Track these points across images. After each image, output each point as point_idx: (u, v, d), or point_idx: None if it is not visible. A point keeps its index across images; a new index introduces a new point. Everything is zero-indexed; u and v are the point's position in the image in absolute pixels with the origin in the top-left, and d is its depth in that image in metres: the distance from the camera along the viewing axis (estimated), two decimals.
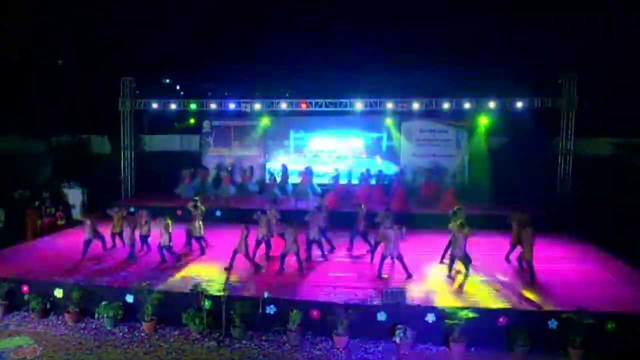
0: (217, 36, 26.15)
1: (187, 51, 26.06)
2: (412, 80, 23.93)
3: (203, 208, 17.74)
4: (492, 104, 23.04)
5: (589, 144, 24.03)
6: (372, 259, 16.17)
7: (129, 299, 13.50)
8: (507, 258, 16.14)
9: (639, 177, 20.91)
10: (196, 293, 13.11)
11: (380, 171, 24.08)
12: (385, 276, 14.10)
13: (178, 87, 30.58)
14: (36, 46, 27.37)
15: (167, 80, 30.42)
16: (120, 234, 17.37)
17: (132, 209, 22.15)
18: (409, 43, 23.93)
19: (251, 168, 24.74)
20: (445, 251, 16.10)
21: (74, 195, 22.74)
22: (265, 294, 13.09)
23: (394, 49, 24.03)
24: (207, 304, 12.96)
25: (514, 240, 15.83)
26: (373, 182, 23.09)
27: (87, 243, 16.43)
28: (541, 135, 24.99)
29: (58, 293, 13.85)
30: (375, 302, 12.96)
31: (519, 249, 15.30)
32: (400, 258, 14.75)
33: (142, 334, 13.04)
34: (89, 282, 14.18)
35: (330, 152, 26.35)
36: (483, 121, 24.39)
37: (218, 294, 13.18)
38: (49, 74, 28.87)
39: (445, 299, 13.21)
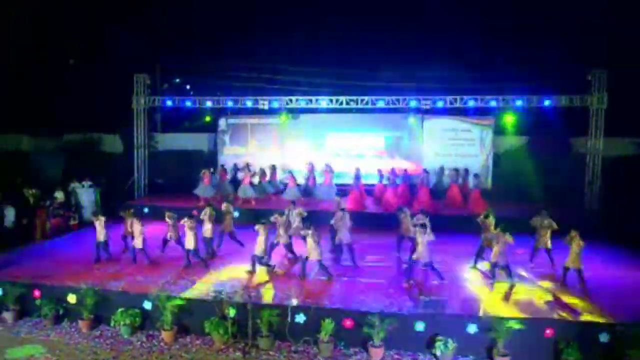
0: (233, 33, 25.10)
1: (203, 47, 25.02)
2: (436, 77, 22.76)
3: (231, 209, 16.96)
4: (518, 102, 21.92)
5: (610, 144, 22.76)
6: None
7: (147, 305, 12.48)
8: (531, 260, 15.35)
9: None
10: (219, 300, 12.09)
11: (405, 171, 22.95)
12: (425, 298, 12.49)
13: (188, 87, 29.38)
14: (48, 44, 26.50)
15: (177, 80, 29.27)
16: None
17: (145, 210, 21.31)
18: (433, 39, 22.79)
19: (273, 167, 23.49)
20: (478, 255, 15.17)
21: (86, 195, 21.67)
22: (294, 302, 12.06)
23: (417, 44, 22.86)
24: (231, 312, 11.94)
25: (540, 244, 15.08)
26: (398, 182, 21.83)
27: (99, 245, 15.47)
28: (561, 135, 24.06)
29: (71, 298, 12.85)
30: (412, 311, 11.89)
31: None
32: (431, 264, 13.75)
33: (162, 344, 12.06)
34: (104, 287, 13.13)
35: (349, 150, 25.26)
36: (509, 119, 23.23)
37: (243, 301, 12.14)
38: (60, 72, 28.00)
39: (486, 308, 12.13)
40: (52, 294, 13.12)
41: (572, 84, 22.22)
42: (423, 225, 13.70)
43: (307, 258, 14.08)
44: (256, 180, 22.66)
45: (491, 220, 14.93)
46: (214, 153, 26.64)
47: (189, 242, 14.83)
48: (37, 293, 13.19)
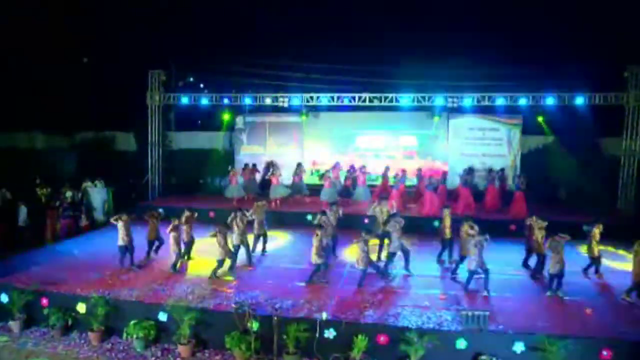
0: (252, 28, 23.85)
1: (220, 43, 23.82)
2: (463, 74, 21.45)
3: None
4: (550, 100, 20.63)
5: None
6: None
7: (163, 317, 11.31)
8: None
9: None
10: (242, 312, 10.90)
11: (445, 172, 21.84)
12: (467, 313, 10.88)
13: (202, 86, 28.15)
14: (60, 40, 25.40)
15: (191, 79, 28.05)
16: (154, 241, 15.14)
17: (160, 210, 20.14)
18: (461, 34, 21.45)
19: (299, 165, 22.15)
20: (540, 267, 13.77)
21: (98, 195, 20.57)
22: (324, 315, 10.85)
23: (444, 40, 21.52)
24: (254, 325, 10.75)
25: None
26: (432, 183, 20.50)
27: (123, 250, 14.19)
28: (589, 135, 22.50)
29: (81, 308, 11.72)
30: (453, 327, 10.66)
31: None
32: (487, 272, 12.57)
33: (178, 359, 10.86)
34: (116, 296, 11.98)
35: (373, 150, 24.03)
36: (539, 118, 21.85)
37: (268, 314, 10.96)
38: (73, 67, 26.94)
39: (534, 324, 10.84)
40: (61, 302, 11.99)
41: (606, 81, 20.90)
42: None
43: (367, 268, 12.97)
44: (284, 179, 21.56)
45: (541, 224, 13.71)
46: (230, 152, 25.49)
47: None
48: (44, 301, 12.08)
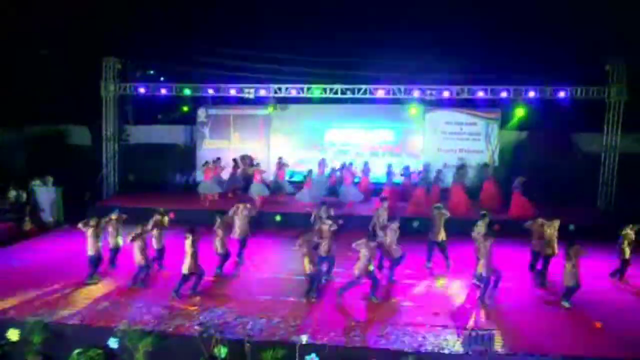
0: (213, 14, 21.63)
1: (181, 30, 21.54)
2: (442, 66, 19.83)
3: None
4: (531, 93, 19.25)
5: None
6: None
7: (113, 343, 9.29)
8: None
9: None
10: (207, 336, 9.02)
11: (427, 167, 20.41)
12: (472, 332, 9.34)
13: (162, 79, 25.75)
14: (6, 27, 22.77)
15: (152, 72, 25.60)
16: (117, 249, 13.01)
17: (116, 211, 17.97)
18: (440, 24, 19.77)
19: (280, 160, 20.35)
20: (542, 275, 12.46)
21: (46, 195, 18.22)
22: (304, 338, 9.05)
23: (422, 30, 19.82)
24: (223, 352, 8.88)
25: None
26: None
27: (94, 261, 12.05)
28: (565, 130, 21.56)
29: (13, 335, 9.52)
30: (455, 348, 9.01)
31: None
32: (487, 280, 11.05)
33: None
34: (57, 319, 9.88)
35: (345, 145, 22.31)
36: (520, 112, 20.42)
37: (239, 337, 9.10)
38: (22, 56, 24.30)
39: (546, 343, 9.27)
40: None
41: (587, 75, 19.62)
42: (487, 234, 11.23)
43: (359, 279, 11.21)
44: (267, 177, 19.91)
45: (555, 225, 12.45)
46: (192, 147, 23.38)
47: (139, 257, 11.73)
48: None
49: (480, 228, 12.27)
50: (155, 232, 12.59)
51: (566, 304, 10.97)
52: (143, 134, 24.10)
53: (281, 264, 13.58)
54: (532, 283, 12.46)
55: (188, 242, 11.16)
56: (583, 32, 19.46)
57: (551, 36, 19.83)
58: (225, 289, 11.77)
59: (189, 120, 23.59)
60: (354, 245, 11.06)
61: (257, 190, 18.68)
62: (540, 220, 12.75)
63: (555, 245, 12.26)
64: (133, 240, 11.64)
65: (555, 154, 20.95)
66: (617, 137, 19.47)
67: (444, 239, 13.21)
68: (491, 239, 10.95)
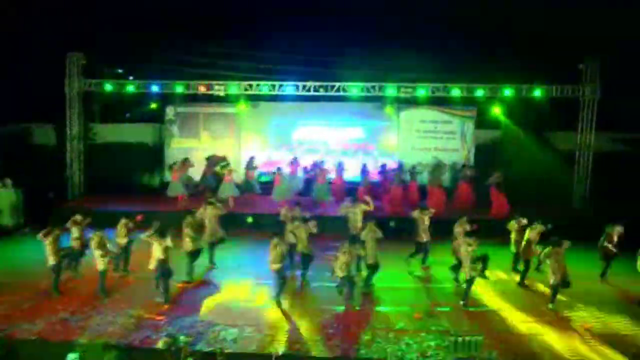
0: (183, 8, 20.77)
1: (149, 25, 20.61)
2: (417, 63, 19.37)
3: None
4: (507, 91, 18.93)
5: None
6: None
7: (72, 359, 8.52)
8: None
9: None
10: (176, 349, 8.32)
11: (401, 165, 19.89)
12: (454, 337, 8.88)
13: (132, 77, 24.77)
14: None
15: (120, 71, 24.54)
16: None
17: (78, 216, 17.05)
18: (415, 23, 19.34)
19: (251, 160, 19.69)
20: (524, 275, 12.17)
21: (5, 197, 17.16)
22: (279, 349, 8.44)
23: (397, 27, 19.37)
24: None
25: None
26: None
27: (56, 270, 11.15)
28: (538, 128, 21.23)
29: None
30: (441, 356, 8.50)
31: None
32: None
33: None
34: (11, 334, 9.07)
35: (321, 143, 21.59)
36: (496, 111, 20.09)
37: (209, 349, 8.44)
38: None
39: (534, 347, 8.82)
40: None
41: (562, 74, 19.40)
42: (469, 234, 10.73)
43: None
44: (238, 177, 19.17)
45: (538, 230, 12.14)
46: (161, 146, 22.47)
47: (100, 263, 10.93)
48: None
49: (461, 230, 11.79)
50: (120, 234, 11.85)
51: (550, 305, 10.59)
52: (110, 132, 22.99)
53: (253, 268, 12.78)
54: (515, 284, 12.08)
55: (156, 246, 10.46)
56: (558, 31, 19.27)
57: (527, 35, 19.58)
58: (195, 296, 11.07)
59: (158, 118, 22.67)
60: (335, 252, 10.53)
61: (227, 191, 17.97)
62: (522, 221, 12.41)
63: (535, 248, 11.87)
64: (44, 236, 10.89)
65: (530, 153, 20.63)
66: (592, 136, 19.29)
67: (428, 239, 12.74)
68: (474, 243, 10.45)
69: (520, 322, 9.96)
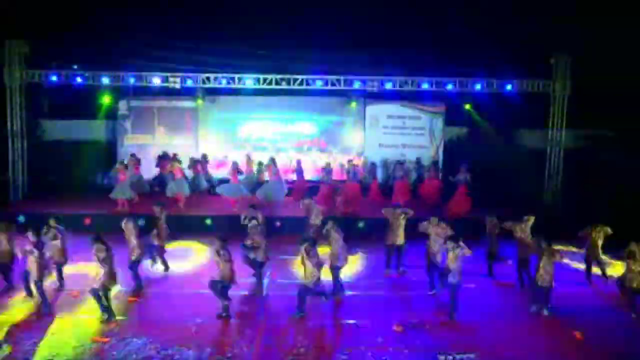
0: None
1: (99, 14, 18.88)
2: (384, 57, 18.34)
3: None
4: (477, 86, 18.15)
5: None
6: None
7: None
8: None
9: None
10: None
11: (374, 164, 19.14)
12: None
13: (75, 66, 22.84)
14: None
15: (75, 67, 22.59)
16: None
17: (21, 218, 15.37)
18: (383, 15, 18.24)
19: (204, 157, 18.50)
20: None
21: None
22: None
23: (364, 19, 18.23)
24: None
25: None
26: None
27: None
28: (505, 125, 20.53)
29: None
30: None
31: None
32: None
33: None
34: None
35: (279, 140, 20.45)
36: (466, 106, 19.31)
37: None
38: None
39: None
40: None
41: (533, 69, 18.77)
42: (453, 238, 9.57)
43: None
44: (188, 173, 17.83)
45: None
46: (115, 144, 20.82)
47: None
48: None
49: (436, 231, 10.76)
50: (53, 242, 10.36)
51: (546, 312, 9.67)
52: (60, 129, 21.21)
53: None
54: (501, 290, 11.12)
55: (99, 255, 9.05)
56: (529, 24, 18.51)
57: (498, 28, 18.74)
58: (145, 312, 9.71)
59: (113, 114, 20.96)
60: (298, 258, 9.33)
61: (176, 188, 16.53)
62: (494, 219, 11.53)
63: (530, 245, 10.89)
64: (25, 253, 9.58)
65: (499, 150, 19.90)
66: (562, 132, 18.72)
67: (402, 242, 11.68)
68: (462, 247, 9.39)
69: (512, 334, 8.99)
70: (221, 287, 9.16)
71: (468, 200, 16.15)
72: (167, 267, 11.83)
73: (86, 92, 20.13)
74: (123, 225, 10.80)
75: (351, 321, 9.32)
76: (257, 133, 20.40)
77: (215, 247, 9.33)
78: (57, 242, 10.41)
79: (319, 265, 9.19)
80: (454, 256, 9.33)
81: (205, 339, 8.47)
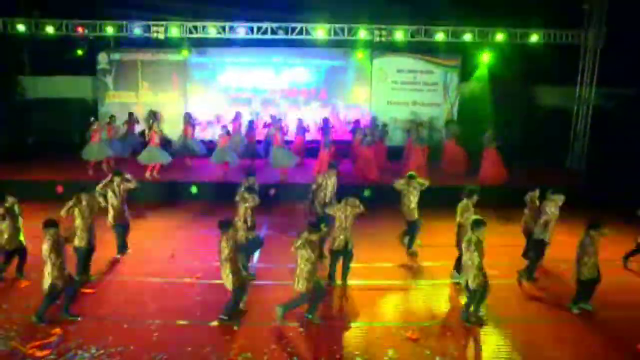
0: None
1: None
2: (393, 2, 16.17)
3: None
4: (499, 35, 15.94)
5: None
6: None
7: None
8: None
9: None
10: None
11: (374, 120, 17.21)
12: None
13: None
14: None
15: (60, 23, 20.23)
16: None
17: None
18: None
19: (188, 116, 16.41)
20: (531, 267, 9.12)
21: None
22: None
23: None
24: None
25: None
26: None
27: None
28: (524, 81, 18.51)
29: None
30: None
31: None
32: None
33: None
34: None
35: (275, 95, 18.36)
36: (485, 59, 17.13)
37: None
38: None
39: None
40: None
41: (562, 17, 16.58)
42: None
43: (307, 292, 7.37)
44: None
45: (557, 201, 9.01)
46: (96, 101, 18.89)
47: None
48: None
49: (467, 211, 8.62)
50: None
51: (575, 309, 7.76)
52: (43, 87, 19.44)
53: (195, 260, 9.46)
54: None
55: (46, 246, 7.05)
56: None
57: None
58: (101, 308, 7.71)
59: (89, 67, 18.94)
60: (292, 249, 7.25)
61: (150, 156, 14.39)
62: (536, 192, 9.45)
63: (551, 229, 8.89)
64: None
65: (519, 109, 18.22)
66: (592, 90, 16.64)
67: (417, 217, 9.76)
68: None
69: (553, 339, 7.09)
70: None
71: (501, 164, 14.30)
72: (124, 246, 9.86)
73: (68, 46, 18.57)
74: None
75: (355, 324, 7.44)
76: (238, 82, 18.30)
77: None
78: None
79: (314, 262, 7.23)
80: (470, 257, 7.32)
81: (179, 343, 6.58)
